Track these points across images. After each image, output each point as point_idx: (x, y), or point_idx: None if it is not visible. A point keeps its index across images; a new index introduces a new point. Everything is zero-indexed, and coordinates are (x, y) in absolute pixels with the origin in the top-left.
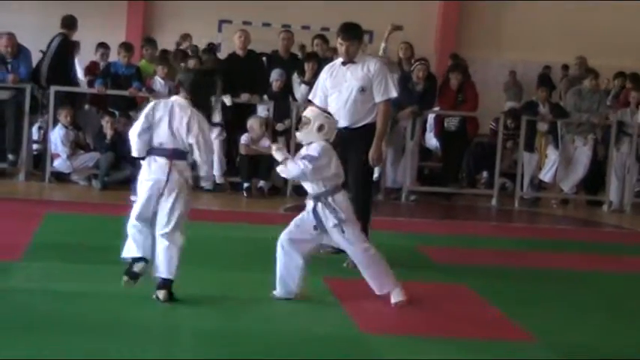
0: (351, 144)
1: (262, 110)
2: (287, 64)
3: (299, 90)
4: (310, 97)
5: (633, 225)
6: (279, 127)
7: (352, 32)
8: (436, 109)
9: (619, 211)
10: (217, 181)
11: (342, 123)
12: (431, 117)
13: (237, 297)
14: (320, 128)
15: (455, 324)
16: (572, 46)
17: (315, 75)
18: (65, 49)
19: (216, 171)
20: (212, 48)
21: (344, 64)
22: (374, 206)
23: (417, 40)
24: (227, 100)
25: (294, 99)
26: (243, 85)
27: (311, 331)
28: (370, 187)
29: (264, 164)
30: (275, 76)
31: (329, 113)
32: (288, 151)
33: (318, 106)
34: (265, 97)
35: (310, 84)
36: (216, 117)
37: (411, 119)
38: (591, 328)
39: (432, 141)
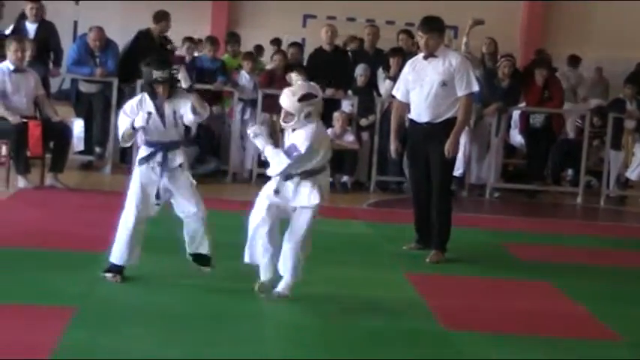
0: (432, 139)
1: (347, 105)
2: (372, 59)
3: (383, 85)
4: (393, 92)
5: None
6: (363, 122)
7: (432, 25)
8: (521, 105)
9: None
10: None
11: (424, 118)
12: (516, 113)
13: (319, 291)
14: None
15: (538, 321)
16: None
17: (401, 70)
18: (136, 43)
19: None
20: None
21: (425, 58)
22: (456, 202)
23: (502, 35)
24: None
25: (379, 94)
26: (328, 79)
27: (393, 326)
28: (451, 182)
29: (349, 159)
30: (359, 71)
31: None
32: (371, 147)
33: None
34: (350, 92)
35: (395, 79)
36: None
37: (496, 116)
38: None
39: (516, 138)
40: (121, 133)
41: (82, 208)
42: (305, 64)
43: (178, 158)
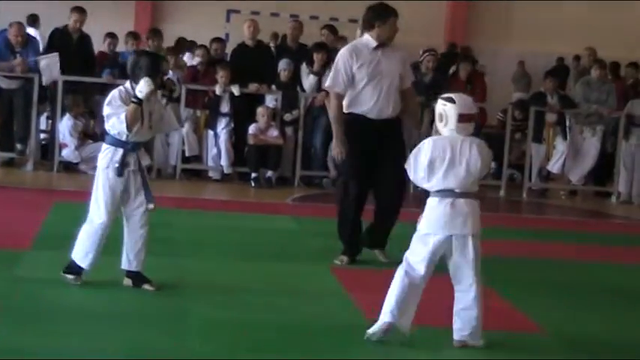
0: (389, 135)
1: (270, 100)
2: (295, 54)
3: (307, 80)
4: (331, 85)
5: None
6: (287, 117)
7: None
8: None
9: (627, 203)
10: (225, 172)
11: (385, 114)
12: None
13: (244, 287)
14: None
15: None
16: (583, 37)
17: (324, 65)
18: (51, 40)
19: (224, 161)
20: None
21: (376, 48)
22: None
23: (426, 31)
24: (235, 90)
25: (302, 89)
26: (251, 75)
27: (319, 320)
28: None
29: (273, 154)
30: (283, 66)
31: None
32: (295, 142)
33: None
34: (273, 87)
35: (319, 74)
36: (225, 107)
37: (419, 110)
38: (599, 319)
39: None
40: (123, 116)
41: (4, 206)
42: (228, 59)
43: (145, 158)
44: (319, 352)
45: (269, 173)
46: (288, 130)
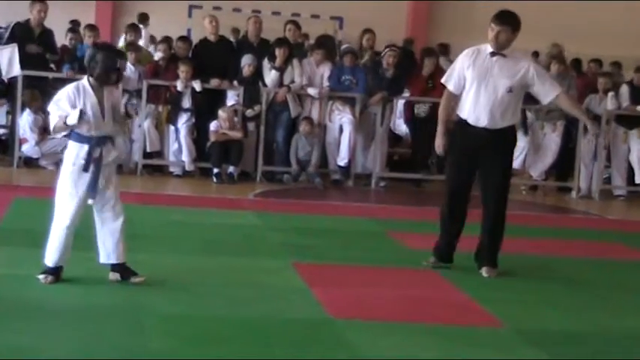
0: (489, 146)
1: (232, 96)
2: (257, 49)
3: (269, 75)
4: (445, 81)
5: (601, 211)
6: (249, 113)
7: (507, 18)
8: (406, 95)
9: (587, 198)
10: (187, 168)
11: (482, 122)
12: (401, 103)
13: (205, 282)
14: None
15: (424, 309)
16: (544, 34)
17: (286, 61)
18: (12, 34)
19: (186, 157)
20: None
21: (492, 55)
22: (342, 192)
23: (389, 25)
24: (197, 85)
25: (264, 84)
26: (213, 70)
27: (280, 315)
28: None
29: (235, 150)
30: (246, 61)
31: None
32: (257, 137)
33: None
34: (235, 82)
35: (281, 70)
36: (186, 102)
37: (380, 105)
38: (559, 314)
39: (401, 127)
40: (52, 125)
41: None
42: (190, 55)
43: (113, 152)
44: (280, 347)
45: (231, 169)
46: (250, 126)
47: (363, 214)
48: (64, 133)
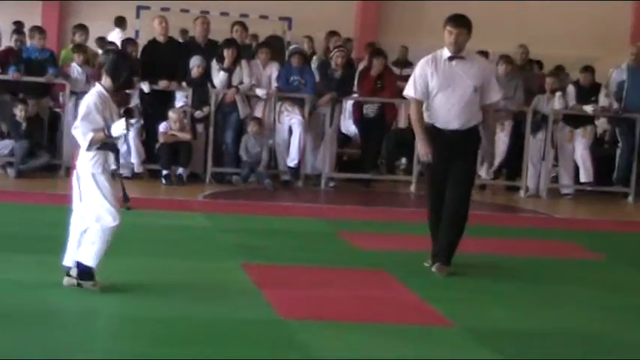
0: (459, 147)
1: (181, 97)
2: (205, 50)
3: (217, 77)
4: (409, 93)
5: (548, 210)
6: (198, 114)
7: (463, 20)
8: (355, 95)
9: (535, 197)
10: (136, 170)
11: (453, 125)
12: (349, 103)
13: (155, 284)
14: None
15: (375, 309)
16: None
17: (235, 62)
18: None
19: (135, 159)
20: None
21: (451, 59)
22: (294, 192)
23: (338, 26)
24: (145, 87)
25: (213, 86)
26: (162, 71)
27: (231, 317)
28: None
29: (184, 151)
30: (195, 63)
31: None
32: (206, 139)
33: None
34: (184, 84)
35: (229, 71)
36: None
37: (329, 106)
38: (509, 312)
39: (350, 127)
40: (88, 141)
41: None
42: (139, 56)
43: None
44: (230, 348)
45: (180, 170)
46: (199, 127)
47: (313, 215)
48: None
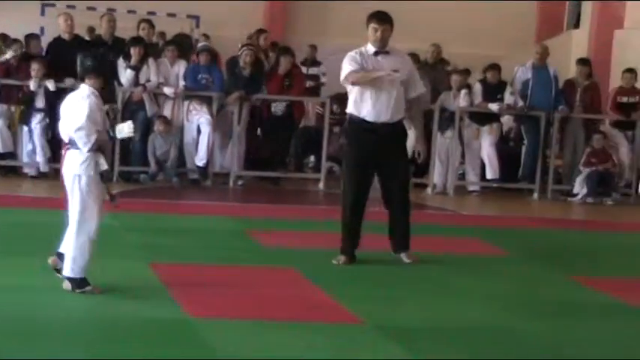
0: (389, 140)
1: None
2: (111, 48)
3: (124, 75)
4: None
5: (455, 207)
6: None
7: (386, 17)
8: (263, 93)
9: (442, 194)
10: (41, 169)
11: (383, 118)
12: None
13: (56, 284)
14: None
15: (283, 307)
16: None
17: (142, 60)
18: None
19: (40, 158)
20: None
21: (376, 54)
22: (202, 191)
23: (246, 25)
24: (50, 85)
25: (120, 84)
26: (68, 69)
27: (138, 316)
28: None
29: None
30: None
31: None
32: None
33: None
34: None
35: (136, 68)
36: (40, 102)
37: (238, 104)
38: (418, 309)
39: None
40: (92, 141)
41: None
42: (44, 54)
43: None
44: (137, 347)
45: None
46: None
47: (222, 213)
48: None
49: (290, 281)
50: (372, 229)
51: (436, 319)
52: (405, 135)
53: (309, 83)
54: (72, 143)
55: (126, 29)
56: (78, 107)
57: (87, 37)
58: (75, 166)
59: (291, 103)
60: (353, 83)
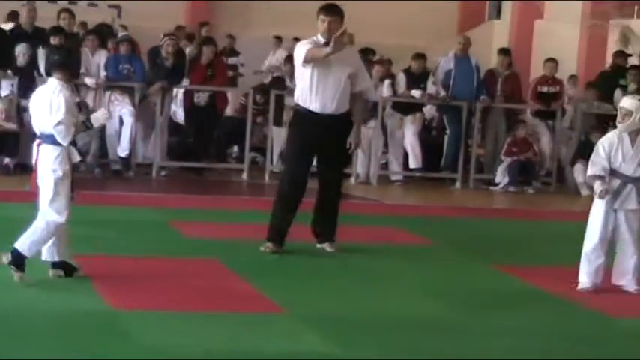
0: (332, 131)
1: (7, 86)
2: (32, 38)
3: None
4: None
5: (378, 196)
6: (26, 103)
7: (336, 9)
8: (185, 83)
9: (366, 184)
10: None
11: (329, 109)
12: (180, 92)
13: None
14: None
15: (205, 298)
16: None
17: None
18: None
19: None
20: None
21: (326, 45)
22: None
23: (168, 15)
24: None
25: (40, 74)
26: None
27: (61, 308)
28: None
29: (10, 141)
30: (21, 50)
31: None
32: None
33: None
34: (10, 72)
35: None
36: None
37: (160, 94)
38: (340, 299)
39: (182, 116)
40: (71, 132)
41: None
42: None
43: (74, 155)
44: (60, 338)
45: (7, 160)
46: (27, 116)
47: (144, 204)
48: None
49: (213, 272)
50: (297, 219)
51: (357, 308)
52: (349, 127)
53: (230, 73)
54: (45, 138)
55: (47, 19)
56: (53, 102)
57: (7, 24)
58: (50, 162)
59: (214, 93)
60: (311, 59)
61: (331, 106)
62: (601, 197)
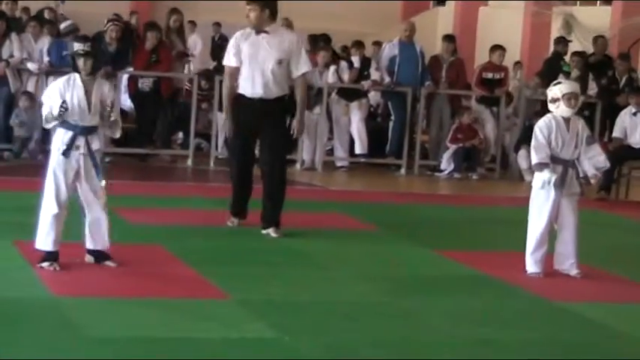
0: (266, 116)
1: None
2: None
3: None
4: (227, 61)
5: (323, 182)
6: None
7: None
8: (130, 69)
9: (311, 170)
10: None
11: (258, 94)
12: (125, 77)
13: None
14: None
15: (149, 284)
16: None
17: (4, 35)
18: None
19: None
20: None
21: (257, 33)
22: None
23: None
24: None
25: None
26: None
27: (2, 295)
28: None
29: None
30: None
31: None
32: None
33: None
34: None
35: None
36: None
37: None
38: (283, 285)
39: (126, 102)
40: (44, 116)
41: None
42: None
43: (96, 142)
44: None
45: None
46: None
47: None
48: (54, 123)
49: (157, 258)
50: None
51: (301, 295)
52: (283, 111)
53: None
54: None
55: None
56: None
57: None
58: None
59: (159, 78)
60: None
61: (261, 91)
62: (556, 186)
